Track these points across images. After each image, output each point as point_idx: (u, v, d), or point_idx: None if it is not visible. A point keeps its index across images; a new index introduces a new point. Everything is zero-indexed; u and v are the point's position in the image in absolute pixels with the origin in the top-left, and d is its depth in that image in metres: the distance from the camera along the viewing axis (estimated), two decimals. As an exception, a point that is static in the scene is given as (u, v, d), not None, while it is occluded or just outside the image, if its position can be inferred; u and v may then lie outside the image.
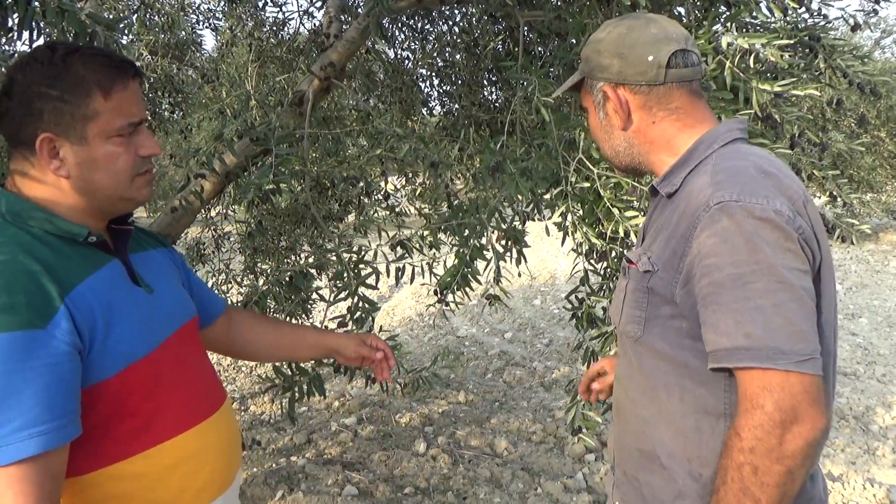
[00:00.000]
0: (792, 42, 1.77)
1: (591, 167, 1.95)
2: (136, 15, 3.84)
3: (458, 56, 3.58)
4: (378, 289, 2.25)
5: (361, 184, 2.46)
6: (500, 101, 3.48)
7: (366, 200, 2.62)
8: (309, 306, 2.40)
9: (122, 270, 1.04)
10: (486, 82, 3.56)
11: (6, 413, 0.83)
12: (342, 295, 2.21)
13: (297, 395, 2.15)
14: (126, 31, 3.44)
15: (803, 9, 2.09)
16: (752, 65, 1.74)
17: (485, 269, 2.15)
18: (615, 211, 1.91)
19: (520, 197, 2.21)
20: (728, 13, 1.98)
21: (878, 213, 9.62)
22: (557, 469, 3.30)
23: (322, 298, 2.37)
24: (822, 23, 2.29)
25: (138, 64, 3.69)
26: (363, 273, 2.24)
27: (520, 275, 2.26)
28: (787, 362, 0.84)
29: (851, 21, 2.56)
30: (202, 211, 3.77)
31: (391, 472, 3.28)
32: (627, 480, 1.11)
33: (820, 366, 0.86)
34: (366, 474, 3.24)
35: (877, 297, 6.65)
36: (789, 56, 2.14)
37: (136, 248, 1.14)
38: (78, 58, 0.95)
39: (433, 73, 3.74)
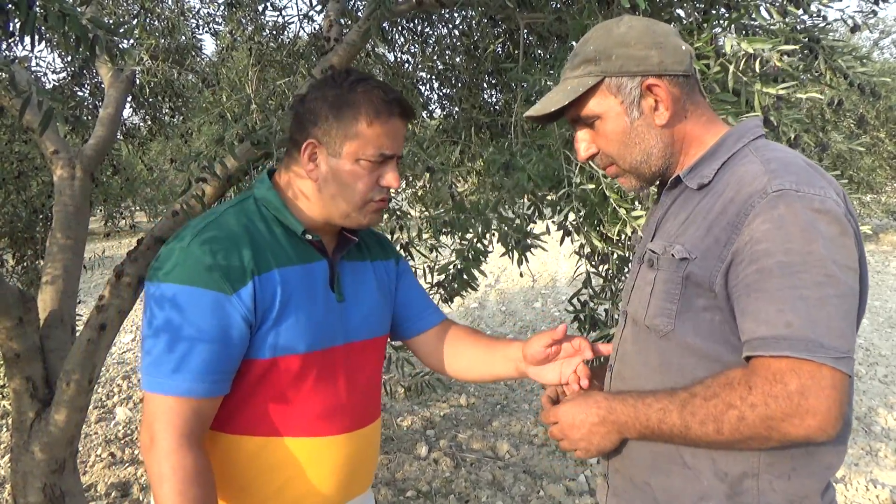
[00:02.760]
0: (795, 47, 1.77)
1: (595, 167, 1.95)
2: (136, 20, 3.84)
3: (458, 59, 3.59)
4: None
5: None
6: (500, 103, 3.48)
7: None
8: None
9: (324, 272, 1.13)
10: (486, 85, 3.56)
11: (176, 356, 0.99)
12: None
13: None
14: (127, 36, 3.44)
15: (801, 11, 2.09)
16: (756, 69, 1.74)
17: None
18: (622, 211, 1.90)
19: (523, 198, 2.21)
20: (728, 15, 1.99)
21: (878, 214, 9.64)
22: (559, 472, 3.30)
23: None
24: (822, 24, 2.29)
25: (138, 69, 3.69)
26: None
27: (521, 275, 2.25)
28: (825, 356, 0.83)
29: (850, 22, 2.56)
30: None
31: (393, 475, 3.27)
32: (634, 486, 1.06)
33: (853, 367, 0.86)
34: (368, 478, 3.24)
35: (878, 297, 6.65)
36: (788, 57, 2.14)
37: (356, 256, 1.23)
38: (362, 87, 1.09)
39: (433, 76, 3.74)
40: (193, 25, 4.29)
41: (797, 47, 1.77)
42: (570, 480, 3.19)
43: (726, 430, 0.88)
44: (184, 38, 4.18)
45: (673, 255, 0.99)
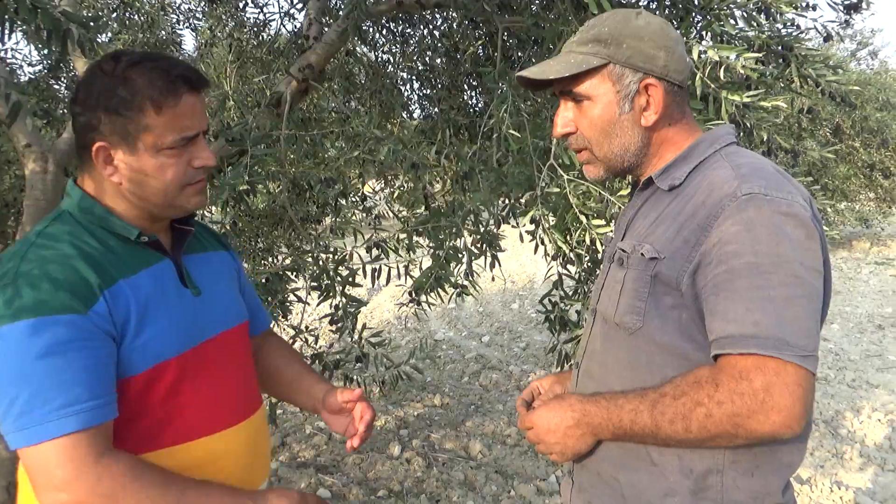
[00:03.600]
0: (761, 55, 1.81)
1: (561, 173, 1.97)
2: (115, 13, 3.80)
3: (438, 60, 3.60)
4: (361, 286, 2.27)
5: (339, 185, 2.47)
6: (479, 105, 3.50)
7: (342, 202, 2.62)
8: (287, 307, 2.39)
9: (171, 271, 1.07)
10: (466, 87, 3.57)
11: (49, 392, 0.88)
12: (327, 294, 2.23)
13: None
14: (102, 30, 3.41)
15: (772, 20, 2.13)
16: (721, 76, 1.77)
17: (455, 268, 2.16)
18: (583, 219, 1.93)
19: (495, 202, 2.24)
20: (702, 22, 2.02)
21: (851, 222, 9.81)
22: (531, 471, 3.32)
23: (299, 300, 2.38)
24: (795, 33, 2.34)
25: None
26: (342, 274, 2.25)
27: (493, 279, 2.27)
28: (791, 354, 0.86)
29: (824, 32, 2.61)
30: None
31: (365, 475, 3.28)
32: (602, 482, 1.08)
33: (817, 365, 0.88)
34: (339, 477, 3.24)
35: (849, 303, 6.77)
36: (761, 66, 2.19)
37: (196, 248, 1.17)
38: (138, 70, 0.98)
39: (413, 77, 3.75)
40: (174, 21, 4.26)
41: (762, 55, 1.81)
42: (541, 480, 3.22)
43: (694, 428, 0.90)
44: (163, 33, 4.15)
45: (642, 254, 1.02)
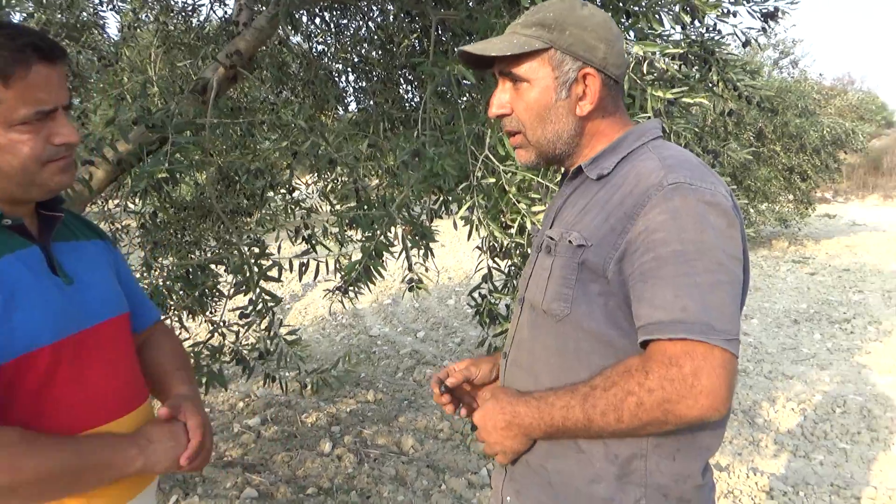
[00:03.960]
0: (682, 51, 1.86)
1: (496, 163, 1.98)
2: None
3: (373, 52, 3.56)
4: (281, 281, 2.21)
5: (267, 177, 2.40)
6: (415, 99, 3.48)
7: (270, 193, 2.55)
8: (206, 301, 2.31)
9: (39, 257, 1.01)
10: (401, 80, 3.55)
11: None
12: (243, 289, 2.15)
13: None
14: (14, 8, 3.21)
15: (696, 22, 2.20)
16: (645, 72, 1.82)
17: (398, 257, 2.13)
18: (521, 206, 1.94)
19: (427, 192, 2.22)
20: (628, 22, 2.07)
21: (771, 222, 10.27)
22: (462, 465, 3.34)
23: (221, 294, 2.30)
24: (717, 37, 2.42)
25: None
26: (265, 267, 2.18)
27: (427, 270, 2.26)
28: (718, 339, 0.88)
29: (743, 38, 2.72)
30: (99, 202, 3.58)
31: (294, 472, 3.22)
32: (531, 471, 1.09)
33: (739, 349, 0.91)
34: (267, 476, 3.17)
35: (768, 299, 7.09)
36: (684, 67, 2.26)
37: (66, 236, 1.10)
38: None
39: (349, 69, 3.70)
40: (96, 1, 4.06)
41: (684, 50, 1.86)
42: (472, 474, 3.23)
43: (626, 418, 0.91)
44: (84, 14, 3.94)
45: (570, 241, 1.03)
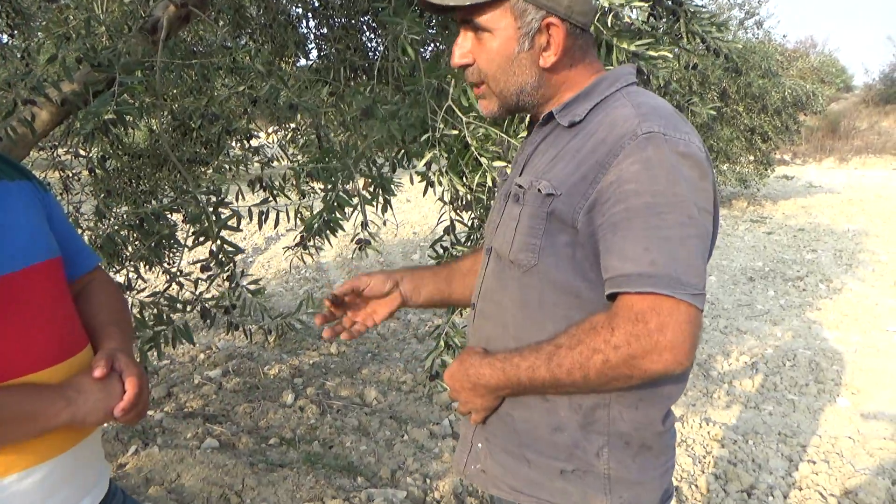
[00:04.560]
0: (649, 3, 1.83)
1: (460, 115, 1.94)
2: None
3: (335, -3, 3.43)
4: (241, 230, 2.16)
5: (222, 122, 2.32)
6: (377, 47, 3.38)
7: (227, 140, 2.47)
8: (162, 251, 2.25)
9: None
10: (364, 27, 3.44)
11: None
12: (201, 239, 2.09)
13: (161, 344, 2.02)
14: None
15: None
16: (610, 24, 1.78)
17: (351, 214, 2.10)
18: (483, 160, 1.91)
19: (388, 145, 2.18)
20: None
21: (732, 182, 10.44)
22: (425, 416, 3.38)
23: (178, 243, 2.24)
24: (686, -10, 2.39)
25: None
26: (224, 216, 2.13)
27: (385, 223, 2.23)
28: (684, 293, 0.87)
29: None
30: (48, 148, 3.43)
31: (256, 423, 3.21)
32: (498, 419, 1.10)
33: (704, 303, 0.91)
34: (228, 426, 3.16)
35: (726, 257, 7.26)
36: (652, 18, 2.23)
37: None
38: None
39: (308, 13, 3.57)
40: (39, -65, 3.81)
41: (650, 3, 1.83)
42: (434, 424, 3.28)
43: (593, 375, 0.91)
44: (26, -53, 3.71)
45: (539, 189, 1.01)
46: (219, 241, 2.10)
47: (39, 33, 3.19)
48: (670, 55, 1.84)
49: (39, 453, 0.97)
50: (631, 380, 0.92)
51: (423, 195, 1.96)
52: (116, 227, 2.05)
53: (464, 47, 1.07)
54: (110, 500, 1.15)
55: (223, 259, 2.13)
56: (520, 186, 1.06)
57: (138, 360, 1.97)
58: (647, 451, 1.04)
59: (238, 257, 2.20)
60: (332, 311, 1.29)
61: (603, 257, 0.94)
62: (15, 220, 1.03)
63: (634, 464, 1.03)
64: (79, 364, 1.05)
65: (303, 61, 3.68)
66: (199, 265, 2.14)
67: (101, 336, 1.13)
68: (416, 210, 9.47)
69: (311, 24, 3.62)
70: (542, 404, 1.04)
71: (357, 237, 2.12)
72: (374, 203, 2.11)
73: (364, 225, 2.11)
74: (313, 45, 3.69)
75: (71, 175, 3.42)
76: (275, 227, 2.28)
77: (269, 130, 3.57)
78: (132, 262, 2.56)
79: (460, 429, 1.26)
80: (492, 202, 2.17)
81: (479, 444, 1.15)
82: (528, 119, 1.25)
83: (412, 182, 2.02)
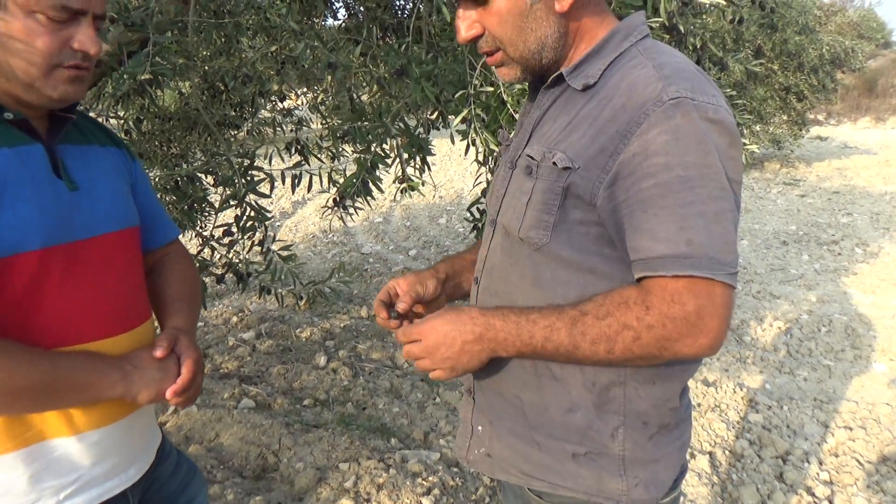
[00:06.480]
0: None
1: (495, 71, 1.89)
2: None
3: (364, -47, 3.35)
4: (271, 197, 2.14)
5: (255, 83, 2.29)
6: (405, 5, 3.31)
7: (260, 101, 2.43)
8: (195, 215, 2.24)
9: (42, 157, 0.94)
10: (394, -16, 3.36)
11: None
12: (232, 203, 2.09)
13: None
14: None
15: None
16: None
17: (392, 167, 2.05)
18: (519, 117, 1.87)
19: (423, 105, 2.13)
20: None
21: (764, 143, 10.17)
22: (456, 380, 3.38)
23: (210, 206, 2.24)
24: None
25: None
26: (256, 179, 2.11)
27: (423, 183, 2.20)
28: (722, 273, 0.83)
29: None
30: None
31: (290, 384, 3.25)
32: (504, 401, 1.05)
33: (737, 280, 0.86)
34: (263, 387, 3.20)
35: (758, 221, 7.12)
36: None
37: (76, 139, 1.03)
38: None
39: (337, -29, 3.49)
40: None
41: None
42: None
43: (618, 350, 0.87)
44: None
45: (555, 163, 0.93)
46: (244, 206, 2.09)
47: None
48: (724, 1, 1.75)
49: (94, 420, 0.98)
50: (657, 359, 0.88)
51: (464, 155, 1.92)
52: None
53: (468, 17, 0.97)
54: (165, 458, 1.16)
55: (247, 224, 2.12)
56: (531, 158, 0.97)
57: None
58: (663, 429, 1.00)
59: (266, 222, 2.20)
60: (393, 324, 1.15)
61: (630, 237, 0.87)
62: (98, 186, 1.02)
63: (650, 442, 0.99)
64: (139, 337, 1.05)
65: (330, 21, 3.61)
66: (223, 230, 2.13)
67: (168, 311, 1.13)
68: (442, 174, 9.41)
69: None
70: (552, 384, 0.99)
71: (400, 179, 2.07)
72: (411, 162, 2.08)
73: (404, 174, 2.08)
74: (341, 3, 3.62)
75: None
76: (308, 191, 2.26)
77: (299, 92, 3.53)
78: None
79: (460, 411, 1.18)
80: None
81: (480, 427, 1.09)
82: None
83: (452, 141, 1.98)
